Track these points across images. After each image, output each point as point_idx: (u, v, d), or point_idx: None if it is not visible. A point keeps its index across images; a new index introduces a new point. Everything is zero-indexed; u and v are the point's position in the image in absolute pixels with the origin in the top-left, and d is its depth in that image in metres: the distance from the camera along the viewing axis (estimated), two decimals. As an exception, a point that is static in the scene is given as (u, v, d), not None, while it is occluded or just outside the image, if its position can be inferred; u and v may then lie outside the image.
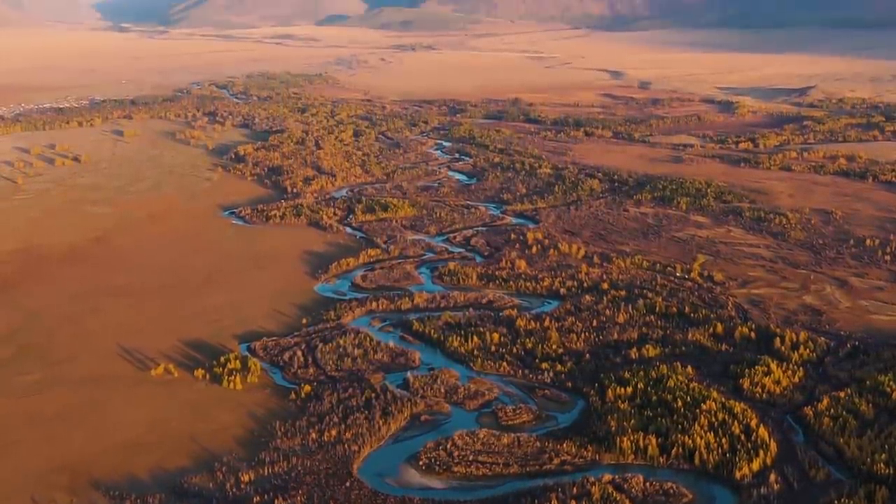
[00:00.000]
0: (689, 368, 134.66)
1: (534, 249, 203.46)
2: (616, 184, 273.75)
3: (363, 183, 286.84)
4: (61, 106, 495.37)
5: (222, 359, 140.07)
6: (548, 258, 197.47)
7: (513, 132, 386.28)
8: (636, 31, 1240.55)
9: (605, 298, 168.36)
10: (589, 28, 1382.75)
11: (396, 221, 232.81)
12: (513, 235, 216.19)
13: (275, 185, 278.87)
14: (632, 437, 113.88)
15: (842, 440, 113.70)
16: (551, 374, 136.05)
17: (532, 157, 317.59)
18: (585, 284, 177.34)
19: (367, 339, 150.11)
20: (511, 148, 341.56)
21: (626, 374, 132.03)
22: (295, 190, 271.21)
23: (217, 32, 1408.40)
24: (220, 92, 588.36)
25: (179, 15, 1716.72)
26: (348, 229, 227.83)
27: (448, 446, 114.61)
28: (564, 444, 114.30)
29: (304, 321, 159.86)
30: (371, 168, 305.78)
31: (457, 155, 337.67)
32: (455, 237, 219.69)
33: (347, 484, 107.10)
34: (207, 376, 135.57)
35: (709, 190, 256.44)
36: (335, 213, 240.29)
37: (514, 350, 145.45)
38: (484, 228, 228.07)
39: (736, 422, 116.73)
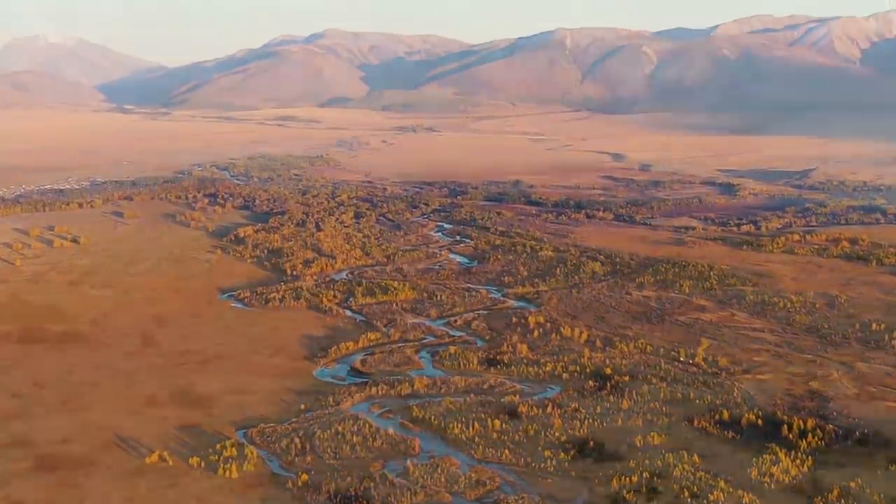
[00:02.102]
0: (696, 457, 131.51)
1: (535, 333, 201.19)
2: (618, 266, 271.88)
3: (363, 265, 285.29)
4: (62, 187, 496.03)
5: (218, 446, 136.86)
6: (550, 342, 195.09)
7: (513, 214, 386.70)
8: (636, 114, 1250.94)
9: (608, 384, 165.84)
10: (590, 111, 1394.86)
11: (397, 304, 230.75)
12: (514, 319, 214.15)
13: (274, 268, 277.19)
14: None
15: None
16: (554, 462, 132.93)
17: (533, 240, 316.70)
18: (588, 369, 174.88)
19: (367, 425, 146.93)
20: (512, 230, 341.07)
21: (631, 463, 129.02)
22: (295, 272, 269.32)
23: (219, 114, 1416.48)
24: (221, 173, 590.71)
25: (182, 97, 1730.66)
26: (348, 312, 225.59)
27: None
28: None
29: (303, 407, 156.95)
30: (371, 250, 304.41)
31: (457, 237, 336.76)
32: (456, 320, 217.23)
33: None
34: (202, 464, 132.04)
35: (712, 273, 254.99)
36: (335, 296, 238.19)
37: (517, 437, 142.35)
38: (485, 312, 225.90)
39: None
